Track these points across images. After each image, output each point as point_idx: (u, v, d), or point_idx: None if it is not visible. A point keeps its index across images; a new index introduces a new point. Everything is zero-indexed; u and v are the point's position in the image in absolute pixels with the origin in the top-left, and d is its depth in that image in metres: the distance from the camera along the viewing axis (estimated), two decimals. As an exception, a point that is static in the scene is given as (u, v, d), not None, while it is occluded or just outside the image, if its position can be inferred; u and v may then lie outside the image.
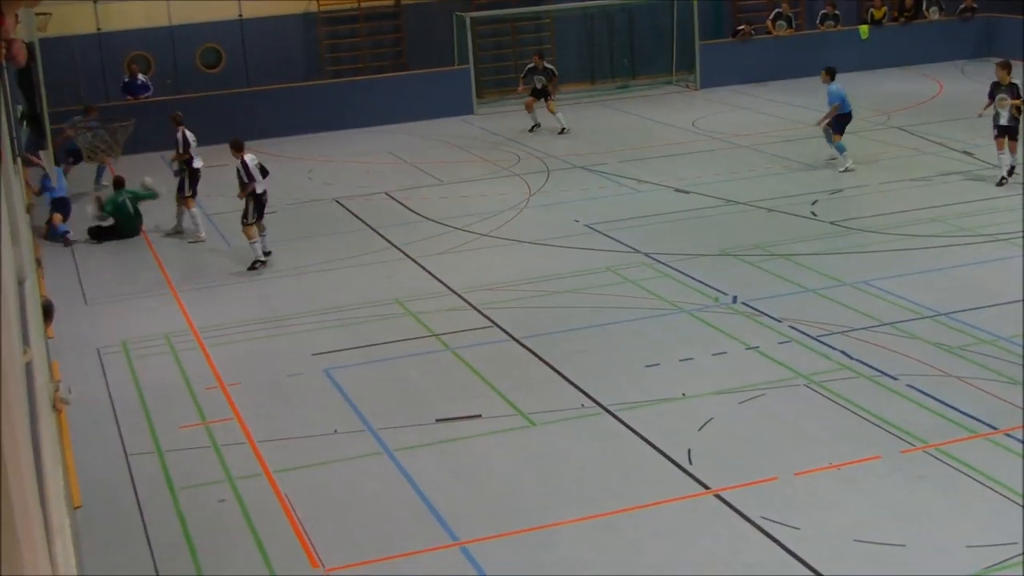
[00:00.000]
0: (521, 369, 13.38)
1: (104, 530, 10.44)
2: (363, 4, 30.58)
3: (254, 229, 17.46)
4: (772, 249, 17.01)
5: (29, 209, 18.00)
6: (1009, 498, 10.03)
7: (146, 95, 27.14)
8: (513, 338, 14.24)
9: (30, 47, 17.65)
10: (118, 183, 19.86)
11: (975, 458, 10.72)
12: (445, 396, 12.75)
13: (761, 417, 11.83)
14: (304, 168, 24.19)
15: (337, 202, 21.29)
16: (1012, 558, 9.18)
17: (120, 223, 19.68)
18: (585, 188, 21.22)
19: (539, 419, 12.05)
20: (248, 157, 17.54)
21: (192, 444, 11.99)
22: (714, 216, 19.03)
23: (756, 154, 23.01)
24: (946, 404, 11.80)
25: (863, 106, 26.95)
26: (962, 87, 28.10)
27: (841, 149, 21.40)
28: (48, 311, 13.74)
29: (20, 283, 8.54)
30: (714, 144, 24.25)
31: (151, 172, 21.35)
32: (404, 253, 17.95)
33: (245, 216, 17.49)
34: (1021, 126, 19.50)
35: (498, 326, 14.65)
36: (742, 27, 31.74)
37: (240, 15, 29.65)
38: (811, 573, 9.14)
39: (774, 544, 9.55)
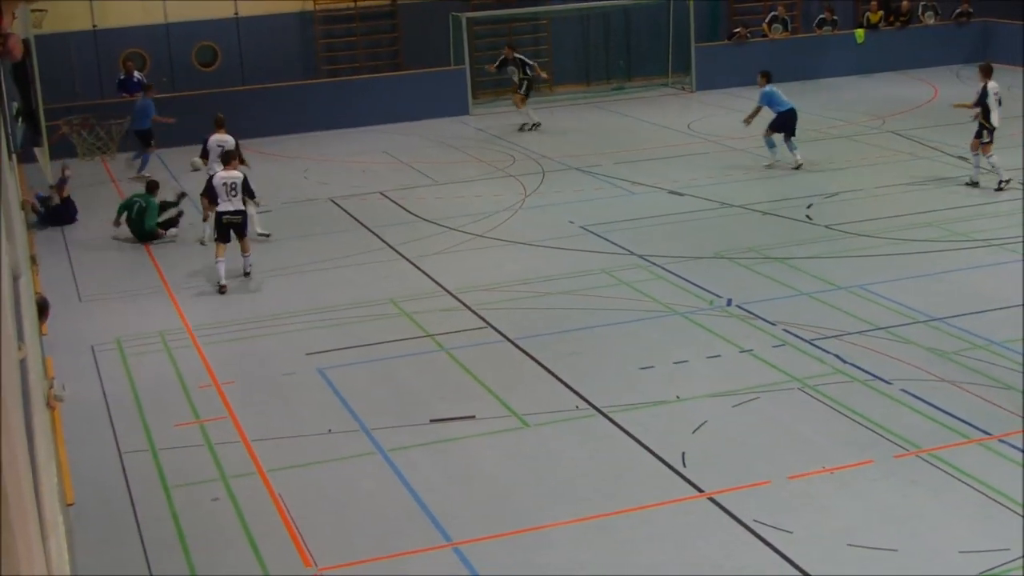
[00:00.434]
0: (515, 370, 13.39)
1: (97, 528, 10.44)
2: (359, 3, 30.56)
3: (218, 248, 16.66)
4: (767, 252, 17.03)
5: (24, 206, 17.97)
6: (1002, 503, 10.06)
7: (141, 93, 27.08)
8: (507, 339, 14.24)
9: (26, 43, 17.60)
10: (150, 187, 19.63)
11: (968, 463, 10.74)
12: (439, 396, 12.75)
13: (755, 420, 11.84)
14: (300, 167, 24.17)
15: (332, 201, 21.28)
16: (1004, 563, 9.20)
17: (131, 223, 19.47)
18: (580, 189, 21.23)
19: (533, 420, 12.06)
20: (224, 174, 16.63)
21: (186, 442, 11.98)
22: (709, 219, 19.05)
23: (751, 157, 23.02)
24: (939, 409, 11.82)
25: (858, 110, 27.08)
26: (957, 91, 28.12)
27: (770, 145, 22.04)
28: (43, 308, 13.72)
29: (15, 279, 8.52)
30: (709, 147, 24.27)
31: (155, 170, 21.31)
32: (399, 253, 17.95)
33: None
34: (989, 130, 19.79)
35: (492, 327, 14.65)
36: (738, 30, 31.78)
37: (236, 13, 29.62)
38: (804, 576, 9.17)
39: (767, 547, 9.56)
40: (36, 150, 20.55)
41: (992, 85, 19.78)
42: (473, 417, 12.17)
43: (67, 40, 27.89)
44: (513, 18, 31.39)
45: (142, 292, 16.85)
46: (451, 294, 15.92)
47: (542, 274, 16.56)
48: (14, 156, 14.79)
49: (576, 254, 17.40)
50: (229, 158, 17.12)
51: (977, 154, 19.85)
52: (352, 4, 30.51)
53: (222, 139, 18.98)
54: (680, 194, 20.50)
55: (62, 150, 23.08)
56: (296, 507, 10.56)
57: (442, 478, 11.01)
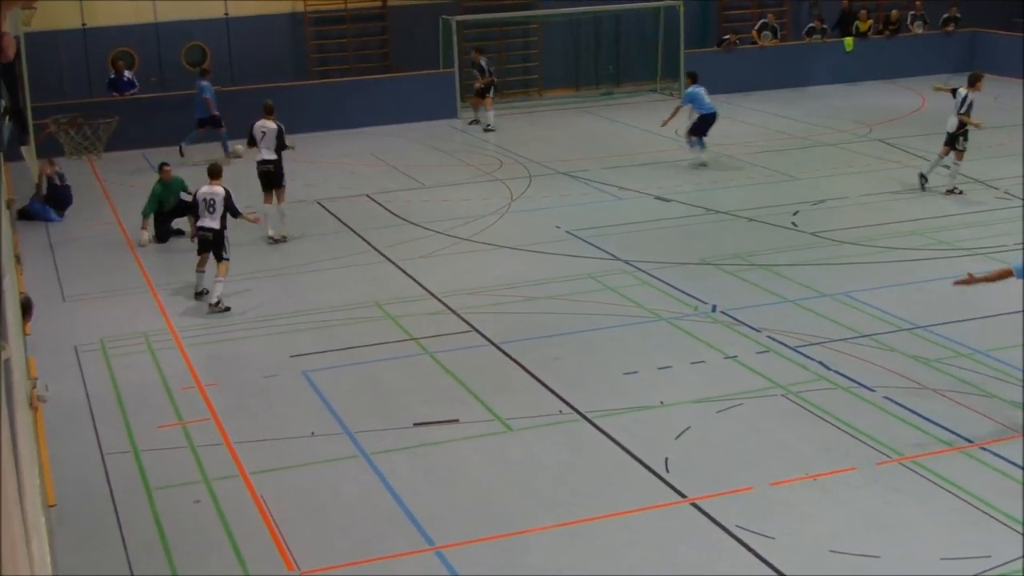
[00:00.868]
0: (499, 374, 13.39)
1: (79, 529, 10.41)
2: (350, 5, 30.56)
3: (198, 260, 16.33)
4: (752, 259, 17.06)
5: (9, 205, 17.93)
6: (983, 511, 10.09)
7: (132, 92, 27.08)
8: (492, 343, 14.24)
9: (16, 41, 17.56)
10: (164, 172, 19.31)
11: (950, 471, 10.78)
12: (423, 400, 12.75)
13: (738, 427, 11.86)
14: (287, 169, 24.06)
15: (319, 204, 21.26)
16: (986, 571, 9.24)
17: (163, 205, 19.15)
18: (567, 194, 21.24)
19: (516, 425, 12.06)
20: (206, 188, 16.14)
21: (168, 444, 11.95)
22: (695, 225, 19.08)
23: (738, 164, 23.08)
24: (922, 416, 11.86)
25: (846, 118, 27.14)
26: (945, 101, 28.13)
27: (691, 145, 23.03)
28: (27, 308, 13.68)
29: (-1, 279, 8.49)
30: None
31: (142, 171, 21.27)
32: (385, 256, 17.94)
33: None
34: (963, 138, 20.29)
35: (477, 331, 14.65)
36: (728, 36, 31.86)
37: (226, 13, 29.59)
38: (785, 583, 9.19)
39: (749, 553, 9.58)
40: (23, 149, 20.52)
41: (962, 92, 20.13)
42: (457, 421, 12.17)
43: (56, 38, 27.84)
44: (503, 22, 31.42)
45: (126, 292, 16.82)
46: (436, 298, 15.92)
47: (528, 278, 16.57)
48: (0, 154, 14.74)
49: (562, 259, 17.42)
50: (214, 173, 16.42)
51: (945, 157, 20.29)
52: (343, 5, 30.51)
53: (264, 125, 18.77)
54: (667, 200, 20.53)
55: (49, 149, 23.05)
56: (278, 510, 10.54)
57: (425, 482, 11.00)
